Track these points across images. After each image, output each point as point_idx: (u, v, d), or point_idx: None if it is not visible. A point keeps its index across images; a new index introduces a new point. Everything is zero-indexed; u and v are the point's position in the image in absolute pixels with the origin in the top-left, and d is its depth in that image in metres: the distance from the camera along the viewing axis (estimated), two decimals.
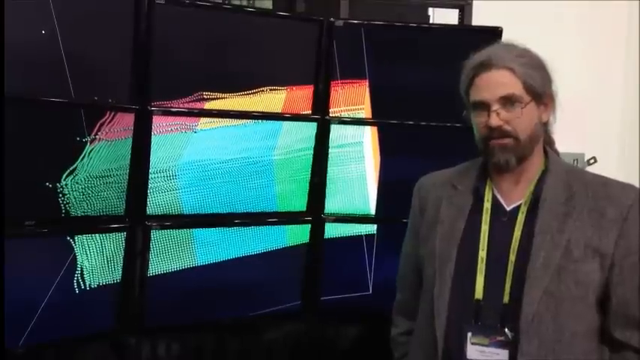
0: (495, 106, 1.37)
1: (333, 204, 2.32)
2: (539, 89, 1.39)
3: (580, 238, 1.35)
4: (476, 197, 1.45)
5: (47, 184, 1.80)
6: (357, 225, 2.34)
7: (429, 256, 1.47)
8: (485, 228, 1.41)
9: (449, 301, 1.40)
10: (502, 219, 1.41)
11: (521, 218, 1.39)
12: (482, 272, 1.39)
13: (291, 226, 2.27)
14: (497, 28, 2.29)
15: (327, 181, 2.30)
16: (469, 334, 1.36)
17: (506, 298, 1.36)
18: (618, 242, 1.35)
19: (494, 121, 1.37)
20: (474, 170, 1.50)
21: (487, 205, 1.43)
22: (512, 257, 1.37)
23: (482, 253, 1.39)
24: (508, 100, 1.37)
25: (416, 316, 1.53)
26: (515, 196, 1.43)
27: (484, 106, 1.39)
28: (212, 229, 2.12)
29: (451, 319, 1.40)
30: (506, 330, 1.35)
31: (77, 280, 1.89)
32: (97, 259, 1.93)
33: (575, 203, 1.37)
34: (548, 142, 1.50)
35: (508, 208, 1.43)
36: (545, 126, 1.45)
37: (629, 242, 1.36)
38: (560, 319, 1.33)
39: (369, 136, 2.30)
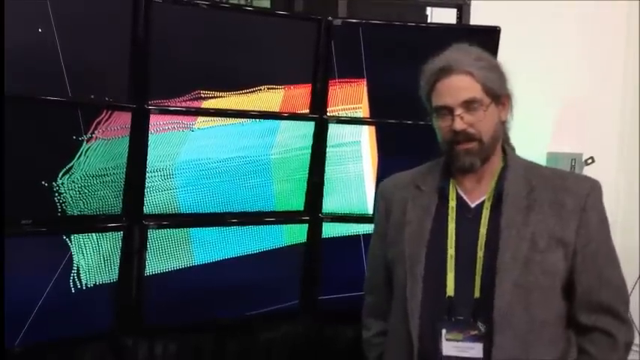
0: (458, 111, 1.40)
1: (330, 203, 2.32)
2: (498, 90, 1.43)
3: (543, 229, 1.40)
4: (441, 197, 1.48)
5: (43, 182, 1.80)
6: (354, 224, 2.34)
7: (399, 258, 1.49)
8: (452, 226, 1.44)
9: (422, 301, 1.43)
10: (467, 216, 1.45)
11: (485, 214, 1.43)
12: (452, 269, 1.42)
13: (288, 225, 2.27)
14: (496, 27, 2.29)
15: (325, 180, 2.29)
16: (443, 331, 1.39)
17: (477, 293, 1.40)
18: (579, 231, 1.40)
19: (459, 125, 1.40)
20: (436, 171, 1.53)
21: (452, 203, 1.46)
22: (480, 253, 1.41)
23: (451, 251, 1.43)
24: (470, 104, 1.40)
25: (387, 318, 1.56)
26: (478, 193, 1.47)
27: (447, 111, 1.42)
28: (209, 228, 2.11)
29: (425, 318, 1.42)
30: (479, 324, 1.38)
31: (74, 279, 1.89)
32: (94, 259, 1.92)
33: (535, 196, 1.42)
34: (505, 139, 1.53)
35: (472, 205, 1.46)
36: (503, 125, 1.49)
37: (589, 231, 1.41)
38: (531, 310, 1.37)
39: (366, 135, 2.30)
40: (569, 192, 1.43)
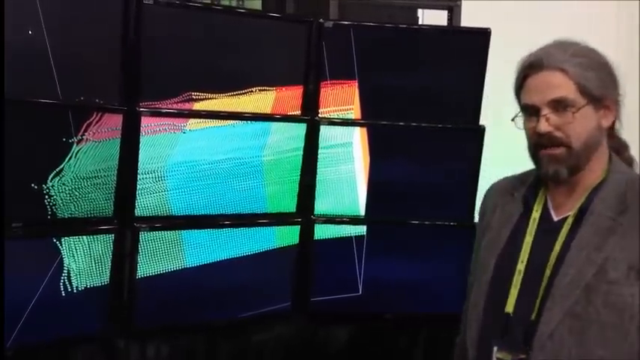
0: (545, 111, 1.27)
1: (322, 205, 2.32)
2: (597, 92, 1.27)
3: (622, 257, 1.22)
4: (526, 207, 1.37)
5: (33, 185, 1.79)
6: (346, 226, 2.33)
7: (476, 264, 1.43)
8: (528, 239, 1.33)
9: (482, 312, 1.35)
10: (547, 231, 1.32)
11: (564, 231, 1.30)
12: (518, 285, 1.31)
13: (280, 227, 2.26)
14: (486, 29, 2.30)
15: (317, 182, 2.29)
16: (495, 348, 1.31)
17: (534, 315, 1.28)
18: None
19: (543, 126, 1.26)
20: (532, 178, 1.40)
21: (535, 215, 1.34)
22: (547, 272, 1.28)
23: (521, 266, 1.31)
24: (559, 104, 1.26)
25: None
26: (567, 207, 1.33)
27: (534, 111, 1.29)
28: (201, 230, 2.11)
29: (482, 330, 1.35)
30: (528, 348, 1.27)
31: (64, 282, 1.88)
32: (85, 262, 1.91)
33: (624, 219, 1.25)
34: (618, 149, 1.38)
35: (555, 219, 1.33)
36: (611, 131, 1.34)
37: None
38: (586, 345, 1.22)
39: (358, 136, 2.30)
40: None
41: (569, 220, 1.30)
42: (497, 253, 1.36)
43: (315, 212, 2.31)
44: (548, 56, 1.28)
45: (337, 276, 2.33)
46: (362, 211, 2.34)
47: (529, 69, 1.30)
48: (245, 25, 2.15)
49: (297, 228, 2.29)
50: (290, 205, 2.28)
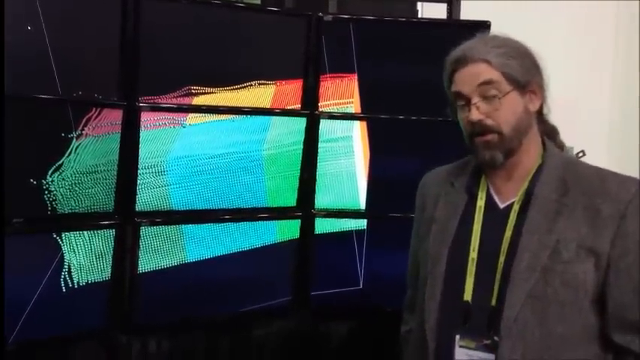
0: (475, 99, 1.32)
1: (322, 199, 2.32)
2: (522, 77, 1.32)
3: (571, 237, 1.28)
4: (470, 195, 1.40)
5: (32, 180, 1.79)
6: (347, 220, 2.34)
7: (424, 256, 1.44)
8: (477, 227, 1.36)
9: (440, 303, 1.36)
10: (495, 218, 1.36)
11: (513, 217, 1.34)
12: (473, 274, 1.34)
13: (281, 221, 2.26)
14: (486, 22, 2.29)
15: (317, 176, 2.29)
16: (457, 337, 1.33)
17: (493, 301, 1.31)
18: (615, 241, 1.27)
19: (474, 115, 1.32)
20: (470, 166, 1.45)
21: (480, 203, 1.38)
22: (501, 259, 1.32)
23: (473, 254, 1.35)
24: (487, 90, 1.31)
25: None
26: (509, 192, 1.37)
27: (466, 102, 1.34)
28: (201, 225, 2.11)
29: (442, 321, 1.36)
30: (492, 333, 1.30)
31: (65, 278, 1.88)
32: (86, 257, 1.91)
33: (568, 200, 1.30)
34: (549, 133, 1.43)
35: (501, 206, 1.37)
36: (540, 116, 1.39)
37: (627, 241, 1.27)
38: (547, 324, 1.27)
39: (358, 130, 2.30)
40: (608, 196, 1.29)
41: (516, 207, 1.35)
42: (448, 244, 1.38)
43: (316, 206, 2.31)
44: (471, 50, 1.34)
45: (338, 270, 2.34)
46: (362, 205, 2.34)
47: (455, 64, 1.36)
48: (244, 19, 2.15)
49: (298, 222, 2.29)
50: (290, 199, 2.29)
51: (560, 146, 1.45)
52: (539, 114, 1.39)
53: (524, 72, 1.33)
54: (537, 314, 1.27)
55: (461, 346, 1.32)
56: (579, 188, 1.31)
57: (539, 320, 1.27)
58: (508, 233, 1.33)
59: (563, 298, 1.27)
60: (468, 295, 1.34)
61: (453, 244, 1.38)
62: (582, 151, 3.20)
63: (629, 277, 1.28)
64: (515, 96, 1.32)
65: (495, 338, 1.29)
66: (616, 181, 1.33)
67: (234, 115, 2.11)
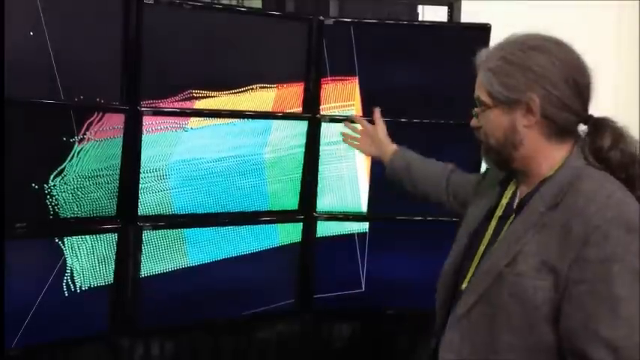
0: (476, 108, 1.38)
1: (324, 202, 2.32)
2: (503, 96, 1.30)
3: (535, 252, 1.24)
4: (500, 192, 1.44)
5: (34, 185, 1.79)
6: (348, 223, 2.34)
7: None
8: (492, 223, 1.39)
9: (444, 285, 1.45)
10: (503, 218, 1.38)
11: (510, 220, 1.35)
12: (474, 265, 1.38)
13: (283, 224, 2.27)
14: (486, 25, 2.30)
15: (319, 179, 2.30)
16: (450, 320, 1.39)
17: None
18: (572, 265, 1.20)
19: (472, 122, 1.40)
20: None
21: (504, 201, 1.40)
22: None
23: (482, 247, 1.38)
24: (478, 103, 1.37)
25: None
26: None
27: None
28: (204, 228, 2.11)
29: (441, 301, 1.45)
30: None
31: (68, 282, 1.88)
32: (88, 261, 1.92)
33: (552, 215, 1.26)
34: (621, 161, 1.31)
35: (514, 207, 1.38)
36: (565, 131, 1.32)
37: (584, 268, 1.19)
38: (494, 329, 1.27)
39: None
40: (582, 218, 1.22)
41: (515, 210, 1.37)
42: (469, 231, 1.44)
43: (318, 209, 2.31)
44: (478, 58, 1.37)
45: (340, 273, 2.34)
46: (364, 208, 2.35)
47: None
48: (245, 23, 2.15)
49: (300, 225, 2.29)
50: (292, 202, 2.29)
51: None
52: (565, 132, 1.33)
53: (510, 90, 1.29)
54: (487, 318, 1.29)
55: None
56: (567, 204, 1.26)
57: (487, 324, 1.29)
58: (493, 236, 1.37)
59: (510, 309, 1.26)
60: (465, 284, 1.38)
61: (473, 233, 1.43)
62: None
63: (580, 306, 1.20)
64: (498, 112, 1.32)
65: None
66: (600, 203, 1.23)
67: (235, 119, 2.12)
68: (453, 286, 1.41)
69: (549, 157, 1.34)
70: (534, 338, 1.25)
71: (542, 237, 1.25)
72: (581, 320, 1.19)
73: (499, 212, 1.39)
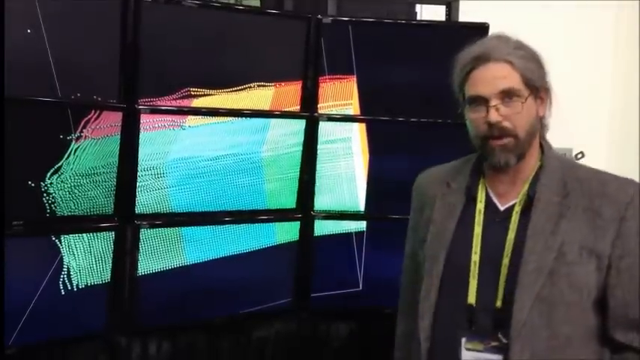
0: (494, 101, 1.30)
1: (322, 201, 2.32)
2: (537, 82, 1.33)
3: (574, 239, 1.30)
4: (468, 197, 1.40)
5: (31, 183, 1.78)
6: (346, 222, 2.34)
7: (423, 258, 1.44)
8: (478, 230, 1.36)
9: (436, 304, 1.37)
10: (496, 220, 1.36)
11: (515, 219, 1.34)
12: (476, 276, 1.34)
13: (280, 223, 2.26)
14: (484, 24, 2.30)
15: (316, 177, 2.29)
16: (463, 340, 1.33)
17: (498, 303, 1.32)
18: (615, 242, 1.29)
19: (494, 116, 1.30)
20: (468, 167, 1.44)
21: (480, 206, 1.38)
22: (505, 260, 1.33)
23: (475, 257, 1.35)
24: (507, 95, 1.30)
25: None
26: (509, 195, 1.37)
27: (482, 102, 1.32)
28: (201, 227, 2.11)
29: (444, 324, 1.37)
30: (499, 335, 1.30)
31: (65, 280, 1.88)
32: (85, 260, 1.91)
33: (569, 202, 1.31)
34: (542, 136, 1.43)
35: (502, 209, 1.37)
36: (541, 120, 1.39)
37: (627, 242, 1.30)
38: (554, 325, 1.29)
39: (357, 132, 2.30)
40: (608, 199, 1.31)
41: (517, 208, 1.35)
42: (446, 245, 1.39)
43: (315, 208, 2.31)
44: (494, 49, 1.33)
45: (337, 271, 2.34)
46: (362, 207, 2.35)
47: (475, 62, 1.33)
48: (243, 21, 2.15)
49: (297, 224, 2.29)
50: (290, 201, 2.29)
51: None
52: (541, 118, 1.40)
53: (539, 76, 1.34)
54: (544, 316, 1.29)
55: (468, 349, 1.33)
56: (579, 190, 1.33)
57: (546, 322, 1.29)
58: (511, 235, 1.33)
59: (569, 300, 1.29)
60: (472, 298, 1.34)
61: (452, 245, 1.38)
62: (581, 153, 3.21)
63: (630, 277, 1.30)
64: (531, 101, 1.33)
65: (504, 340, 1.30)
66: (615, 183, 1.34)
67: (233, 117, 2.11)
68: (455, 304, 1.36)
69: (536, 148, 1.39)
70: (585, 324, 1.32)
71: (572, 224, 1.30)
72: (633, 289, 1.29)
73: (479, 218, 1.37)
